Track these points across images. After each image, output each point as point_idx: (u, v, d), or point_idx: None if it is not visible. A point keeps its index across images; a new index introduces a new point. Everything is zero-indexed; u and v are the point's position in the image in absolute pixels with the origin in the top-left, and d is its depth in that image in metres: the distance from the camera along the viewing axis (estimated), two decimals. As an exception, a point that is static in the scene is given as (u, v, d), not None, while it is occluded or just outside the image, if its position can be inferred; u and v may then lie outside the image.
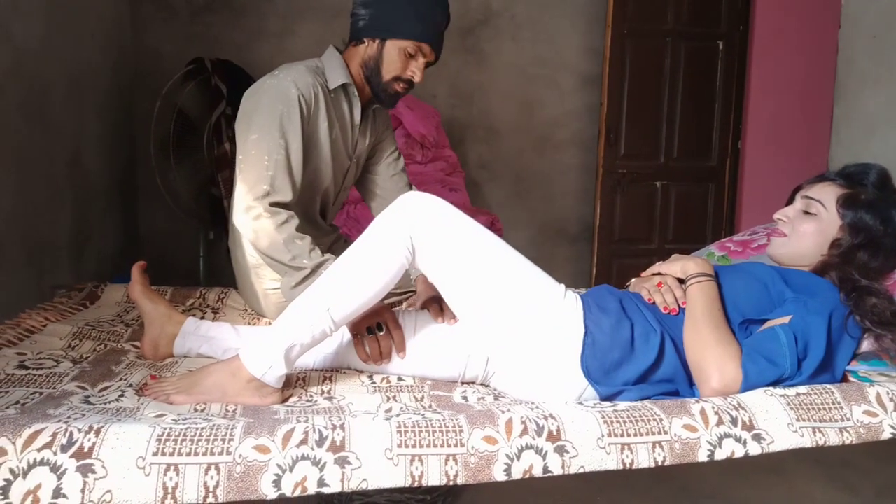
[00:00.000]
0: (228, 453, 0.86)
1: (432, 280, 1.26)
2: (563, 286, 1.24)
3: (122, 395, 1.16)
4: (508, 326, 1.19)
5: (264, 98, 1.50)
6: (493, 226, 2.65)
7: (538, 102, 3.35)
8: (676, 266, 1.25)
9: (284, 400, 1.17)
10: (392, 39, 1.52)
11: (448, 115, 3.21)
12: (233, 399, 1.14)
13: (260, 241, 1.46)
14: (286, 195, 1.48)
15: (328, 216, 1.77)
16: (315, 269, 1.44)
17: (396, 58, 1.53)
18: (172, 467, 0.84)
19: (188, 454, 0.85)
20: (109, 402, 1.11)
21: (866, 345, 1.16)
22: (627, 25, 3.21)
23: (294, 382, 1.29)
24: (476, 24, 3.23)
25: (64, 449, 0.83)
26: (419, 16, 1.50)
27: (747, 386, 1.07)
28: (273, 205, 1.46)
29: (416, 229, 1.17)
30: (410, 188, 1.84)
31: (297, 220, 1.48)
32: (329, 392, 1.26)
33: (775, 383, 1.08)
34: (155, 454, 0.85)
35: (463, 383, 1.31)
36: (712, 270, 1.22)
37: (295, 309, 1.17)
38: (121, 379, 1.24)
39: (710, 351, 1.10)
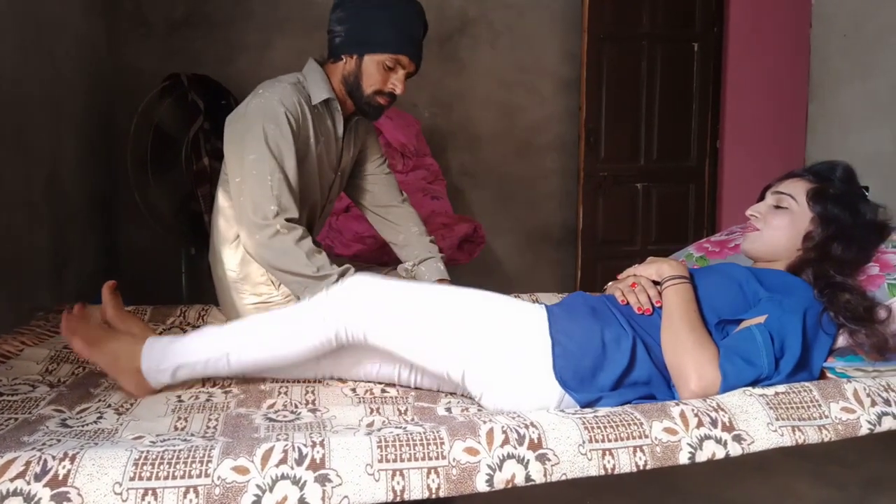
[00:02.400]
0: (207, 475, 0.85)
1: (397, 353, 1.24)
2: (525, 301, 1.25)
3: (100, 417, 1.14)
4: (477, 359, 1.18)
5: (255, 119, 1.49)
6: (476, 233, 2.65)
7: (518, 108, 3.36)
8: (651, 268, 1.26)
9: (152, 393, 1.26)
10: (369, 54, 1.52)
11: (429, 123, 3.22)
12: (114, 374, 1.24)
13: (279, 258, 1.45)
14: (294, 212, 1.49)
15: (315, 230, 1.77)
16: (342, 275, 1.45)
17: (375, 72, 1.53)
18: (150, 491, 0.83)
19: (166, 477, 0.84)
20: (87, 424, 1.10)
21: (841, 340, 1.18)
22: (603, 29, 3.23)
23: (277, 392, 1.29)
24: (454, 32, 3.24)
25: (38, 478, 0.81)
26: (394, 28, 1.50)
27: (726, 387, 1.07)
28: (288, 221, 1.47)
29: (352, 327, 1.18)
30: (401, 192, 1.85)
31: (310, 235, 1.49)
32: (313, 403, 1.25)
33: (754, 383, 1.09)
34: (132, 479, 0.83)
35: (448, 394, 1.31)
36: (687, 272, 1.23)
37: (205, 337, 1.24)
38: (99, 400, 1.22)
39: (687, 353, 1.10)
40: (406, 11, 1.53)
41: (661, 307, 1.21)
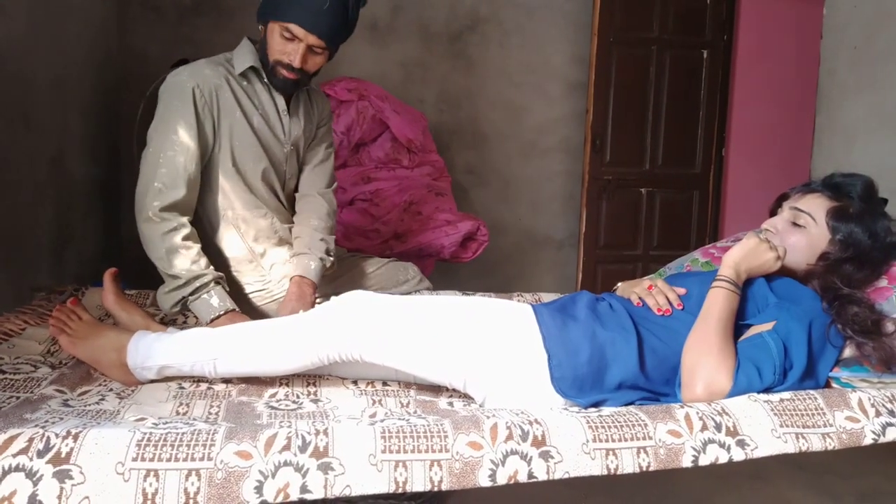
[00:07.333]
0: (210, 459, 0.85)
1: (395, 368, 1.22)
2: (519, 313, 1.22)
3: (102, 399, 1.14)
4: (477, 370, 1.16)
5: (164, 96, 1.53)
6: (478, 231, 2.65)
7: (525, 109, 3.36)
8: (745, 249, 1.20)
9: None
10: (271, 21, 1.53)
11: (435, 119, 3.21)
12: (102, 367, 1.24)
13: (146, 245, 1.49)
14: (177, 193, 1.49)
15: (287, 205, 1.75)
16: (189, 282, 1.46)
17: (275, 40, 1.53)
18: (152, 473, 0.83)
19: (168, 459, 0.84)
20: (89, 405, 1.09)
21: (848, 351, 1.17)
22: (613, 34, 3.23)
23: (278, 382, 1.29)
24: (464, 30, 3.24)
25: (40, 454, 0.81)
26: None
27: (733, 395, 1.07)
28: (164, 209, 1.47)
29: (346, 350, 1.17)
30: (331, 184, 1.78)
31: (187, 229, 1.49)
32: (315, 394, 1.25)
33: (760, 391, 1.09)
34: (135, 459, 0.83)
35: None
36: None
37: (192, 339, 1.23)
38: (100, 384, 1.22)
39: (709, 358, 1.09)
40: None
41: (681, 309, 1.20)
